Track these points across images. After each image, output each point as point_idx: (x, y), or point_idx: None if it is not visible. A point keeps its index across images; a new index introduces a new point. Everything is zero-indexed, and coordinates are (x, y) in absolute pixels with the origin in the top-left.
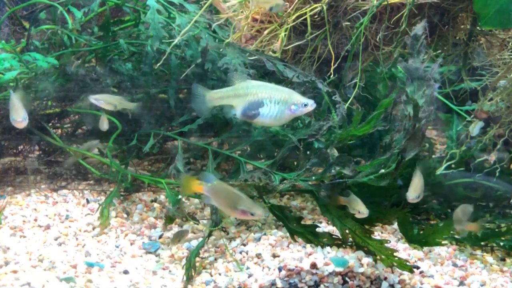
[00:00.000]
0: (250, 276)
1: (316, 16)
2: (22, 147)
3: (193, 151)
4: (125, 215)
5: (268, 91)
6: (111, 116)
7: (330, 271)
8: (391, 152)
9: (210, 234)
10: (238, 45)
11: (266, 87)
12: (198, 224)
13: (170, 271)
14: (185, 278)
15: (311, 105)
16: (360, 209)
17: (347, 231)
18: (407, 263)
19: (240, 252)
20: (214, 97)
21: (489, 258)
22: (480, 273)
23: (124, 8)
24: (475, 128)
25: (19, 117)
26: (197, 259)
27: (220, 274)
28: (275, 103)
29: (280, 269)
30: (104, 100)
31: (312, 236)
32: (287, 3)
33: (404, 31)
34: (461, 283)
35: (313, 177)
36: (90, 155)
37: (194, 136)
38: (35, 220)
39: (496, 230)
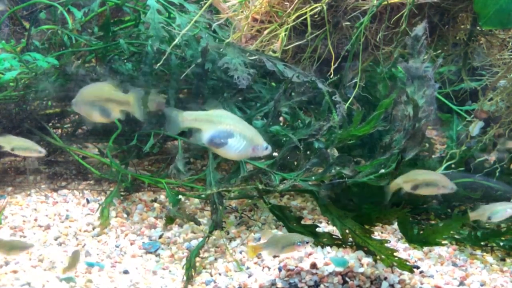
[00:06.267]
0: (250, 276)
1: (316, 16)
2: None
3: (193, 151)
4: (125, 215)
5: (239, 125)
6: None
7: (330, 271)
8: (391, 152)
9: (210, 234)
10: (238, 45)
11: (238, 121)
12: (199, 226)
13: (170, 271)
14: (185, 278)
15: (268, 149)
16: None
17: (347, 231)
18: (407, 263)
19: (240, 252)
20: (187, 119)
21: (489, 258)
22: (480, 273)
23: (124, 8)
24: (475, 128)
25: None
26: (197, 259)
27: (220, 274)
28: (243, 139)
29: (280, 269)
30: None
31: (312, 236)
32: None
33: (404, 31)
34: (461, 283)
35: (313, 177)
36: (90, 155)
37: None
38: (35, 220)
39: (496, 230)
